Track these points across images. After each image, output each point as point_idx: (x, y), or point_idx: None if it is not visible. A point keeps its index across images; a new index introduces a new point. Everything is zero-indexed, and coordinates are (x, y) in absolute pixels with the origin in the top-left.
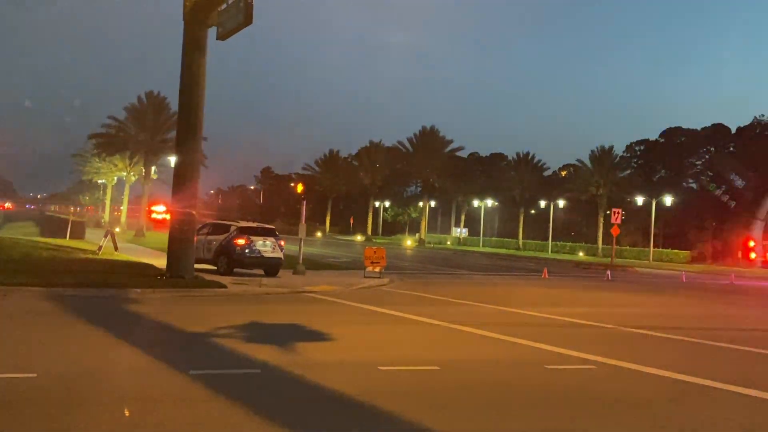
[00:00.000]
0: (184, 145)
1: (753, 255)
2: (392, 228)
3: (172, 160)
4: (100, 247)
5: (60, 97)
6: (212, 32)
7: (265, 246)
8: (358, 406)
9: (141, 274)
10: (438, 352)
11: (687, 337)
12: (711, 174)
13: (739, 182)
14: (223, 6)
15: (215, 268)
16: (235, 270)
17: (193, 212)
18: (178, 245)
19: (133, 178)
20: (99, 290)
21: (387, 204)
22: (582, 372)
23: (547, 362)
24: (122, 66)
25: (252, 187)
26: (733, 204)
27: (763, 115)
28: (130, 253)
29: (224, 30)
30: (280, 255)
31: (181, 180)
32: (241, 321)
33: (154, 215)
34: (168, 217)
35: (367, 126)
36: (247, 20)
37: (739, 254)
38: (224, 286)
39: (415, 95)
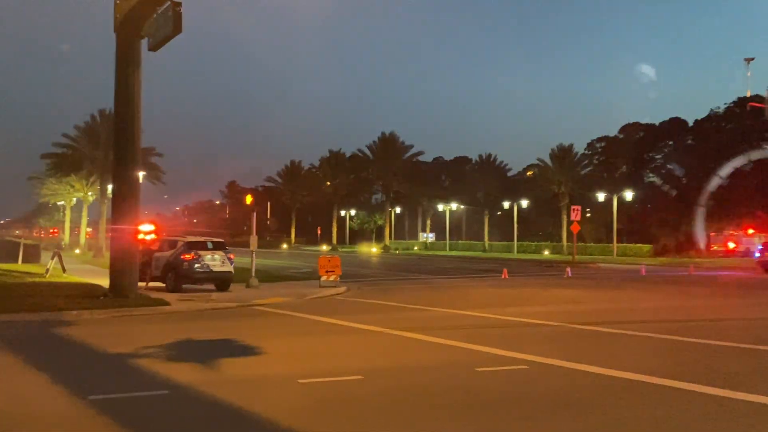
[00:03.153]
0: (122, 161)
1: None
2: (359, 236)
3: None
4: (47, 270)
5: (14, 119)
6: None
7: (214, 260)
8: (259, 423)
9: (84, 295)
10: (368, 361)
11: (632, 331)
12: (669, 168)
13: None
14: (153, 16)
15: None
16: (186, 286)
17: (136, 228)
18: (120, 264)
19: (90, 198)
20: (34, 314)
21: (353, 212)
22: (513, 373)
23: (479, 364)
24: (71, 82)
25: (218, 202)
26: (674, 193)
27: (718, 107)
28: (84, 274)
29: (155, 41)
30: (229, 269)
31: (121, 196)
32: (172, 339)
33: (140, 236)
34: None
35: (330, 136)
36: (177, 29)
37: (701, 245)
38: (168, 304)
39: (377, 102)
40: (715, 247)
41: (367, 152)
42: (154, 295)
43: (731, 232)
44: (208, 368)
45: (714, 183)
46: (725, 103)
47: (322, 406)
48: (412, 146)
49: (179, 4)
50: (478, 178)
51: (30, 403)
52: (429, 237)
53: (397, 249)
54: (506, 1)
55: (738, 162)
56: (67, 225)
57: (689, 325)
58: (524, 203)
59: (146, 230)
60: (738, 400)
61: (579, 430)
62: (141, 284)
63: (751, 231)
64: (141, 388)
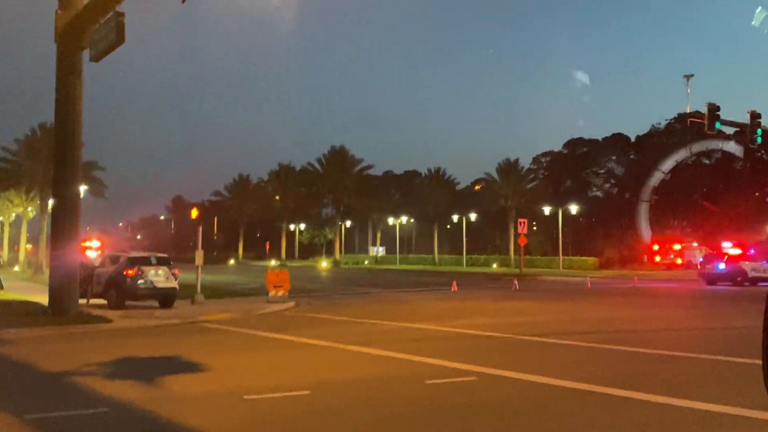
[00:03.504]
0: (63, 175)
1: (657, 258)
2: (309, 250)
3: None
4: None
5: None
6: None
7: (158, 276)
8: None
9: (23, 312)
10: (314, 375)
11: (577, 341)
12: (616, 181)
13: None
14: (96, 26)
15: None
16: (130, 303)
17: (80, 245)
18: (60, 280)
19: (30, 214)
20: None
21: (302, 227)
22: (462, 384)
23: (429, 376)
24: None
25: (162, 218)
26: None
27: (659, 123)
28: (23, 291)
29: (97, 51)
30: (174, 285)
31: (61, 212)
32: (114, 357)
33: (88, 252)
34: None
35: (279, 150)
36: (120, 39)
37: (645, 258)
38: (109, 321)
39: (327, 115)
40: (658, 259)
41: (317, 166)
42: (96, 312)
43: (674, 245)
44: (151, 386)
45: (656, 178)
46: (666, 119)
47: (268, 422)
48: (362, 160)
49: (122, 14)
50: (428, 192)
51: None
52: (379, 251)
53: (347, 263)
54: (459, 18)
55: (680, 155)
56: (5, 241)
57: (633, 335)
58: (473, 217)
59: (94, 246)
60: (681, 407)
61: None
62: (82, 301)
63: (695, 244)
64: (80, 407)
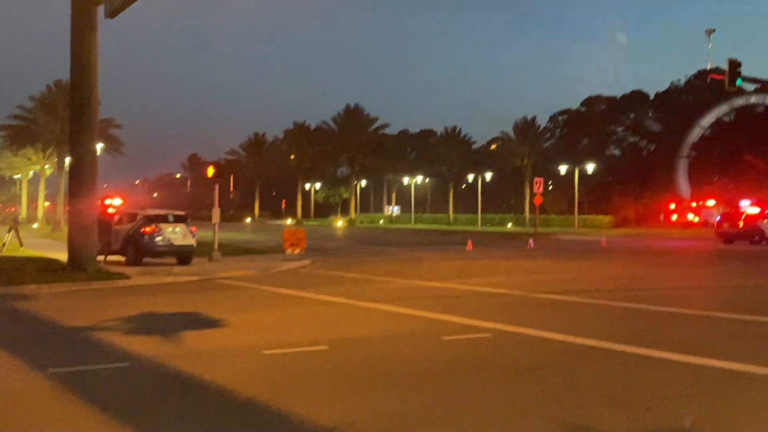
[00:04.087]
0: (79, 132)
1: (674, 217)
2: (325, 210)
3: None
4: (3, 244)
5: None
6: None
7: (175, 233)
8: (222, 393)
9: (43, 269)
10: (332, 332)
11: (592, 299)
12: (635, 138)
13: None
14: None
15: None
16: (147, 260)
17: (93, 201)
18: (77, 237)
19: (48, 172)
20: None
21: (318, 186)
22: (477, 341)
23: (444, 333)
24: (28, 52)
25: (178, 176)
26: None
27: (679, 80)
28: (42, 248)
29: (112, 7)
30: (191, 242)
31: (79, 169)
32: (132, 313)
33: (110, 210)
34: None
35: (294, 108)
36: None
37: (661, 216)
38: (128, 278)
39: (342, 73)
40: (674, 218)
41: (332, 124)
42: (114, 269)
43: (691, 202)
44: (170, 341)
45: (696, 133)
46: (686, 76)
47: (287, 376)
48: (377, 119)
49: None
50: (443, 151)
51: None
52: (394, 210)
53: (362, 222)
54: None
55: (721, 111)
56: (24, 199)
57: (648, 293)
58: (488, 176)
59: (116, 204)
60: (699, 365)
61: (542, 392)
62: (99, 258)
63: (711, 202)
64: (101, 361)
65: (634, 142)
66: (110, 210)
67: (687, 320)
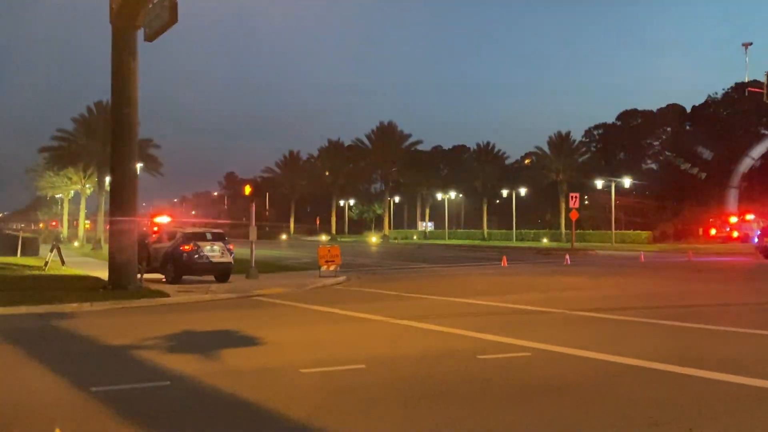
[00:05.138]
0: (120, 153)
1: (713, 231)
2: (358, 226)
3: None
4: (46, 263)
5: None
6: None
7: (213, 251)
8: (262, 412)
9: (84, 287)
10: (368, 350)
11: (631, 317)
12: (673, 153)
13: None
14: (149, 6)
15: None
16: (186, 277)
17: (133, 220)
18: (118, 255)
19: (88, 191)
20: (33, 307)
21: (352, 202)
22: (515, 360)
23: (481, 352)
24: (71, 75)
25: (216, 193)
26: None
27: (716, 93)
28: (83, 267)
29: (151, 30)
30: (229, 259)
31: (119, 188)
32: (172, 330)
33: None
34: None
35: (329, 126)
36: (173, 19)
37: (700, 231)
38: (167, 295)
39: (376, 90)
40: (713, 232)
41: (366, 141)
42: (154, 286)
43: (730, 217)
44: (210, 359)
45: (746, 164)
46: (723, 89)
47: (327, 395)
48: (410, 135)
49: None
50: (477, 167)
51: (34, 395)
52: (428, 226)
53: (396, 238)
54: None
55: None
56: (65, 218)
57: (688, 310)
58: (522, 191)
59: (164, 222)
60: (738, 384)
61: (584, 414)
62: (147, 276)
63: (750, 216)
64: (143, 380)
65: (671, 155)
66: (155, 228)
67: (728, 338)
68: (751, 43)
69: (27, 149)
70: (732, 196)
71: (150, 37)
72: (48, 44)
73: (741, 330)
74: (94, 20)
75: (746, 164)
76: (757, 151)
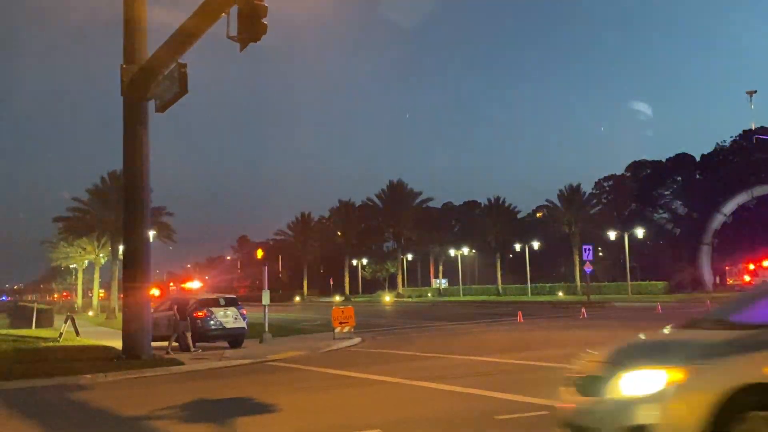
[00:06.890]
0: (132, 222)
1: (730, 280)
2: (372, 285)
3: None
4: (60, 334)
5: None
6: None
7: (227, 317)
8: None
9: (98, 357)
10: (384, 413)
11: None
12: (685, 202)
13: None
14: (159, 78)
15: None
16: (199, 344)
17: (146, 288)
18: (132, 324)
19: (102, 261)
20: (49, 379)
21: (364, 261)
22: (532, 419)
23: (499, 412)
24: (83, 147)
25: (228, 257)
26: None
27: (724, 141)
28: (97, 337)
29: (162, 102)
30: (243, 325)
31: (132, 257)
32: (187, 399)
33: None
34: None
35: (339, 187)
36: (183, 90)
37: (717, 279)
38: (181, 363)
39: (384, 150)
40: (731, 281)
41: (377, 201)
42: (168, 355)
43: (746, 265)
44: (224, 428)
45: (717, 221)
46: (731, 137)
47: None
48: (420, 193)
49: (185, 65)
50: (488, 222)
51: None
52: (442, 283)
53: (410, 296)
54: (509, 42)
55: (741, 198)
56: (79, 288)
57: None
58: (535, 245)
59: (195, 287)
60: None
61: None
62: (174, 344)
63: (766, 263)
64: None
65: (682, 205)
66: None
67: None
68: (755, 91)
69: (42, 222)
70: (704, 253)
71: (161, 108)
72: (63, 116)
73: None
74: (106, 93)
75: (717, 221)
76: (727, 208)
